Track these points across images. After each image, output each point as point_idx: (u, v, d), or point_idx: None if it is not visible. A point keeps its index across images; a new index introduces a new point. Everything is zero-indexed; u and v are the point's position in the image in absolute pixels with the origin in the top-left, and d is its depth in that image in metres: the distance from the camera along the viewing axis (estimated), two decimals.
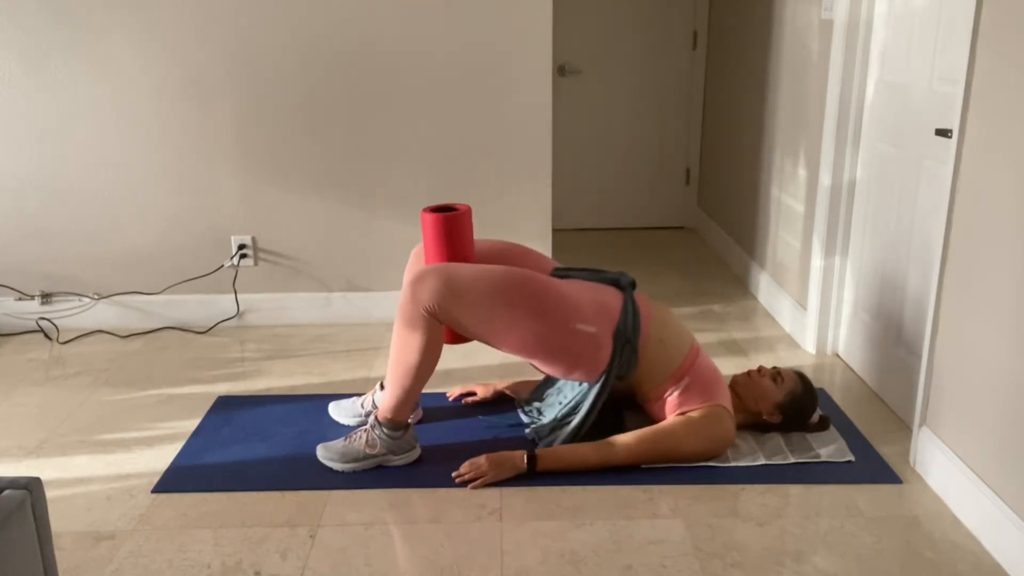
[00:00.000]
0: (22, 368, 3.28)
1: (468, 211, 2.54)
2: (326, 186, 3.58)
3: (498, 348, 2.50)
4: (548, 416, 2.71)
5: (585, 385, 2.59)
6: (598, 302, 2.51)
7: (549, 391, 2.81)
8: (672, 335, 2.58)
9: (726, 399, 2.57)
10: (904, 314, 2.86)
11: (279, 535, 2.23)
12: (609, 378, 2.52)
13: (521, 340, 2.44)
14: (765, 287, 3.98)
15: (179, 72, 3.42)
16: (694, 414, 2.51)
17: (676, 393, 2.54)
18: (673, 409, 2.55)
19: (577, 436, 2.57)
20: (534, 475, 2.47)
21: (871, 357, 3.09)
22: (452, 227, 2.51)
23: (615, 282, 2.62)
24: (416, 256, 2.75)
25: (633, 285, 2.62)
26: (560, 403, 2.71)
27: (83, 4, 3.32)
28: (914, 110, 2.77)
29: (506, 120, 3.53)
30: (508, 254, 2.70)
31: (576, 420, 2.57)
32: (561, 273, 2.66)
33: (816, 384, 3.10)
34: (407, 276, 2.69)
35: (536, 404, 2.83)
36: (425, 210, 2.54)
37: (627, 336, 2.50)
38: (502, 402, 2.94)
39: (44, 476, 2.52)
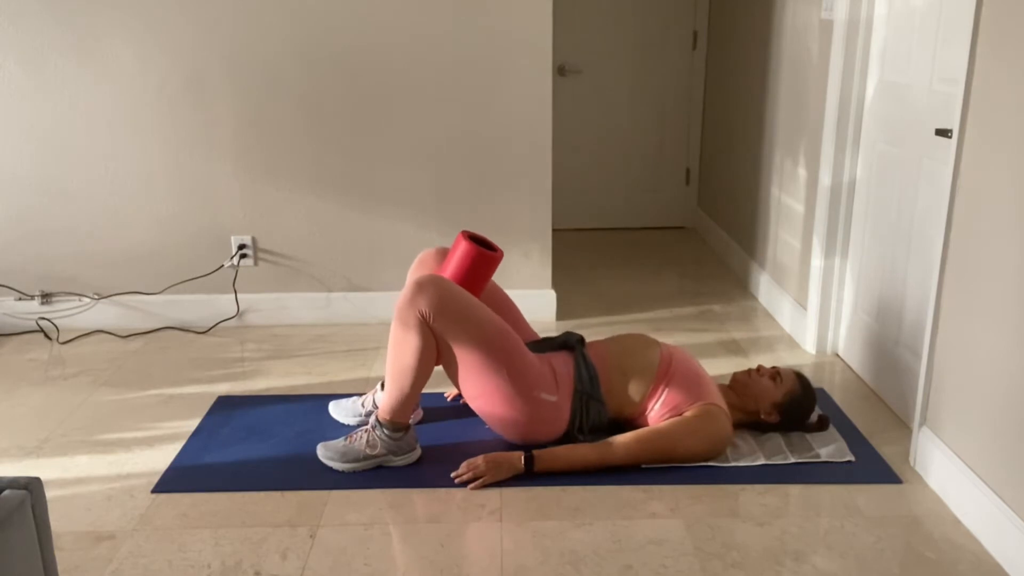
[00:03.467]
0: (22, 368, 3.28)
1: (500, 257, 2.58)
2: (326, 186, 3.58)
3: (460, 386, 2.53)
4: None
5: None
6: (555, 371, 2.57)
7: None
8: (634, 361, 2.61)
9: (715, 396, 2.57)
10: (904, 314, 2.86)
11: (279, 535, 2.23)
12: (573, 433, 2.56)
13: (489, 388, 2.48)
14: (765, 287, 3.98)
15: (179, 72, 3.42)
16: (688, 413, 2.52)
17: (659, 404, 2.56)
18: (661, 417, 2.56)
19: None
20: (532, 476, 2.47)
21: (871, 357, 3.09)
22: (481, 264, 2.54)
23: (564, 344, 2.66)
24: (422, 260, 2.76)
25: (581, 342, 2.66)
26: None
27: (83, 4, 3.32)
28: (914, 110, 2.77)
29: (506, 120, 3.53)
30: (498, 297, 2.77)
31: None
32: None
33: (816, 384, 3.10)
34: (410, 278, 2.70)
35: None
36: (464, 232, 2.56)
37: (586, 392, 2.56)
38: None
39: (44, 476, 2.52)
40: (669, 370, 2.58)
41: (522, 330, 2.77)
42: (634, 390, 2.58)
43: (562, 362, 2.60)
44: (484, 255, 2.53)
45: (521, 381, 2.47)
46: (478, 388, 2.49)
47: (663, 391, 2.55)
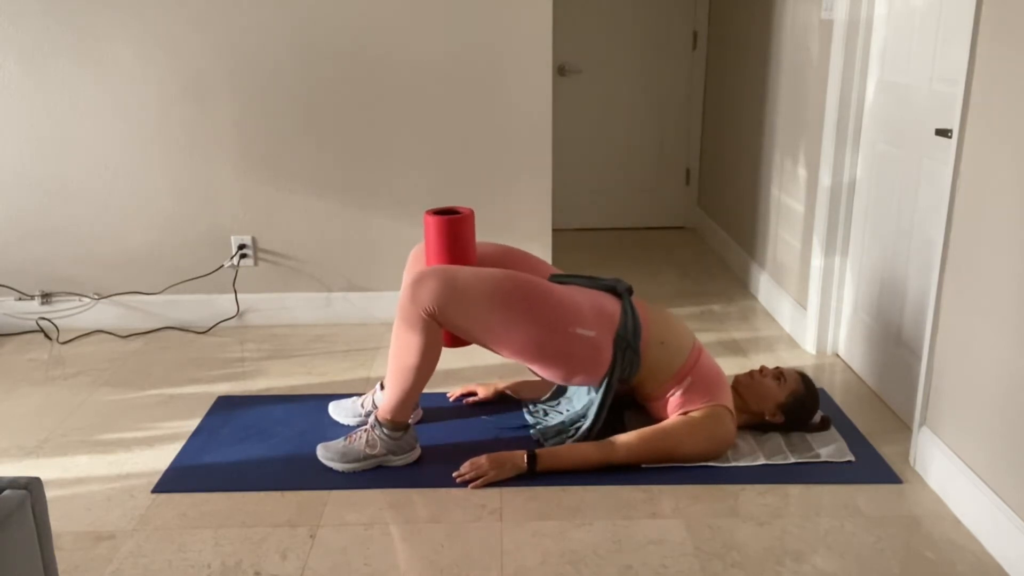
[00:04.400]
0: (22, 368, 3.28)
1: (471, 215, 2.55)
2: (326, 186, 3.58)
3: (497, 352, 2.50)
4: (554, 419, 2.72)
5: (594, 392, 2.58)
6: (597, 307, 2.51)
7: (560, 399, 2.82)
8: (673, 336, 2.58)
9: (728, 399, 2.57)
10: (904, 314, 2.86)
11: (279, 535, 2.23)
12: (612, 381, 2.52)
13: (520, 344, 2.44)
14: (765, 287, 3.98)
15: (179, 72, 3.42)
16: (696, 414, 2.51)
17: (679, 393, 2.54)
18: (675, 409, 2.55)
19: (585, 440, 2.57)
20: (535, 475, 2.47)
21: (871, 357, 3.09)
22: (454, 230, 2.51)
23: (611, 289, 2.62)
24: (416, 256, 2.75)
25: (630, 291, 2.62)
26: (568, 409, 2.71)
27: (83, 4, 3.32)
28: (914, 110, 2.77)
29: (506, 120, 3.53)
30: (507, 258, 2.70)
31: (585, 425, 2.58)
32: (558, 279, 2.66)
33: (816, 384, 3.10)
34: (407, 276, 2.69)
35: (542, 406, 2.83)
36: (428, 212, 2.55)
37: (628, 340, 2.50)
38: (503, 402, 2.94)
39: (44, 476, 2.52)
40: (698, 362, 2.57)
41: (543, 272, 2.71)
42: (665, 368, 2.54)
43: (610, 302, 2.55)
44: (453, 221, 2.51)
45: (551, 322, 2.42)
46: (516, 348, 2.45)
47: (687, 380, 2.53)
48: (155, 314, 3.67)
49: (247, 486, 2.45)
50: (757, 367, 2.77)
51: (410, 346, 2.43)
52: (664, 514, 2.31)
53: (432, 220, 2.51)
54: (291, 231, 3.62)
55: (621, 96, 5.18)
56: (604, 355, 2.49)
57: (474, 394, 2.96)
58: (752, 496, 2.39)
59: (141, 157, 3.50)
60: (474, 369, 3.26)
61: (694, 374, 2.54)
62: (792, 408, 2.65)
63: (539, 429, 2.70)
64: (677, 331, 2.60)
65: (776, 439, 2.66)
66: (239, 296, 3.67)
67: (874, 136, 3.04)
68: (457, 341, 2.55)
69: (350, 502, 2.37)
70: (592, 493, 2.40)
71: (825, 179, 3.25)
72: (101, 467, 2.57)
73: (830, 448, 2.61)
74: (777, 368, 2.70)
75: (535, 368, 2.52)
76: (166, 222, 3.58)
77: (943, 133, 2.57)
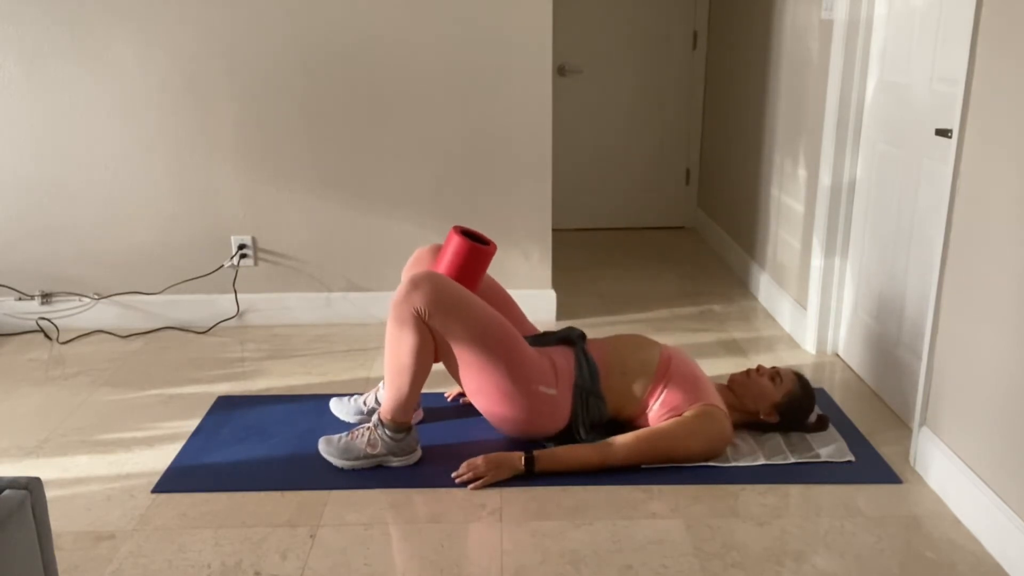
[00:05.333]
0: (22, 368, 3.28)
1: (493, 250, 2.58)
2: (326, 186, 3.58)
3: (458, 380, 2.54)
4: None
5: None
6: (555, 365, 2.56)
7: None
8: (634, 361, 2.60)
9: (713, 397, 2.57)
10: (904, 314, 2.86)
11: (279, 535, 2.23)
12: (581, 432, 2.55)
13: (487, 383, 2.47)
14: (765, 287, 3.98)
15: (179, 72, 3.42)
16: (688, 414, 2.52)
17: (657, 404, 2.56)
18: (660, 418, 2.56)
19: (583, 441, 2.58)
20: (532, 476, 2.47)
21: (871, 357, 3.09)
22: (474, 258, 2.54)
23: (565, 340, 2.66)
24: (418, 258, 2.76)
25: (583, 337, 2.67)
26: None
27: (83, 4, 3.32)
28: (914, 110, 2.77)
29: (506, 120, 3.53)
30: (497, 293, 2.77)
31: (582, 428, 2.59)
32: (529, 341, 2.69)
33: (816, 384, 3.10)
34: (405, 275, 2.70)
35: None
36: (455, 229, 2.55)
37: (587, 388, 2.55)
38: None
39: (44, 476, 2.52)
40: (668, 370, 2.58)
41: (521, 325, 2.77)
42: (634, 389, 2.57)
43: (562, 356, 2.60)
44: (477, 249, 2.53)
45: (520, 375, 2.47)
46: (477, 383, 2.49)
47: (662, 391, 2.55)
48: (155, 314, 3.67)
49: (247, 486, 2.45)
50: (755, 366, 2.77)
51: (402, 346, 2.44)
52: (664, 514, 2.31)
53: (457, 240, 2.53)
54: (291, 231, 3.62)
55: (621, 96, 5.18)
56: (563, 410, 2.55)
57: None
58: (752, 496, 2.39)
59: (141, 157, 3.50)
60: None
61: (667, 381, 2.56)
62: (787, 408, 2.65)
63: None
64: (638, 350, 2.63)
65: (776, 439, 2.66)
66: (239, 296, 3.67)
67: (874, 136, 3.04)
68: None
69: (350, 502, 2.37)
70: (592, 493, 2.40)
71: (825, 179, 3.25)
72: (101, 467, 2.57)
73: (830, 448, 2.61)
74: (773, 368, 2.70)
75: (492, 413, 2.54)
76: (166, 222, 3.58)
77: (943, 133, 2.57)
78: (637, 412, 2.60)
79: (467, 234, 2.59)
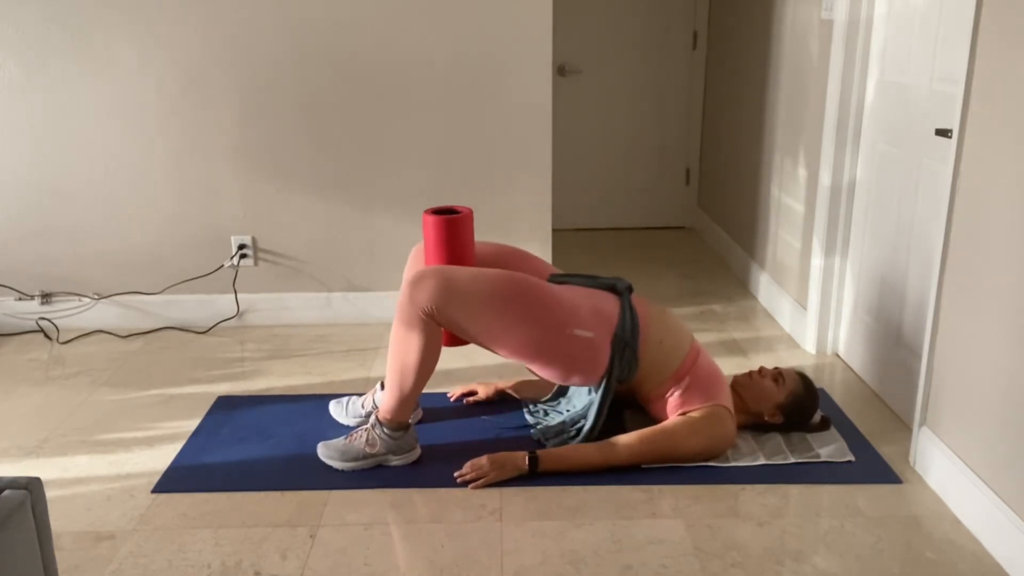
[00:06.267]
0: (22, 368, 3.28)
1: (470, 214, 2.55)
2: (326, 186, 3.58)
3: (495, 352, 2.51)
4: (554, 419, 2.71)
5: (594, 393, 2.58)
6: (595, 307, 2.51)
7: (560, 399, 2.82)
8: (671, 336, 2.58)
9: (727, 399, 2.57)
10: (904, 314, 2.86)
11: (279, 535, 2.23)
12: (611, 382, 2.52)
13: (518, 344, 2.44)
14: (765, 287, 3.98)
15: (179, 72, 3.42)
16: (695, 414, 2.51)
17: (677, 393, 2.54)
18: (675, 409, 2.55)
19: (586, 440, 2.57)
20: (536, 476, 2.47)
21: (871, 357, 3.09)
22: (453, 230, 2.51)
23: (611, 287, 2.62)
24: (415, 256, 2.75)
25: (630, 289, 2.62)
26: (569, 409, 2.71)
27: (83, 4, 3.32)
28: (914, 110, 2.77)
29: (506, 120, 3.53)
30: (507, 258, 2.70)
31: (586, 426, 2.58)
32: (558, 279, 2.66)
33: (816, 384, 3.10)
34: (406, 276, 2.69)
35: (542, 406, 2.83)
36: (427, 211, 2.55)
37: (626, 340, 2.50)
38: (503, 402, 2.94)
39: (44, 476, 2.52)
40: (696, 362, 2.57)
41: (542, 271, 2.71)
42: (663, 368, 2.54)
43: (609, 302, 2.55)
44: (451, 221, 2.51)
45: (549, 323, 2.43)
46: (511, 347, 2.45)
47: (686, 380, 2.53)
48: (155, 314, 3.67)
49: (247, 486, 2.45)
50: (757, 367, 2.77)
51: (409, 346, 2.43)
52: (664, 514, 2.31)
53: (430, 220, 2.52)
54: (291, 231, 3.62)
55: (621, 96, 5.18)
56: (602, 356, 2.49)
57: (474, 393, 2.96)
58: (752, 496, 2.39)
59: (141, 157, 3.50)
60: (474, 369, 3.26)
61: (692, 374, 2.54)
62: (791, 409, 2.65)
63: (539, 429, 2.70)
64: (675, 331, 2.60)
65: (776, 439, 2.66)
66: (239, 296, 3.67)
67: (874, 136, 3.04)
68: (456, 340, 2.55)
69: (350, 502, 2.37)
70: (592, 493, 2.40)
71: (825, 179, 3.25)
72: (101, 467, 2.57)
73: (830, 448, 2.61)
74: (776, 369, 2.70)
75: (533, 368, 2.53)
76: (166, 222, 3.58)
77: (943, 133, 2.57)
78: (656, 394, 2.57)
79: (440, 212, 2.58)
